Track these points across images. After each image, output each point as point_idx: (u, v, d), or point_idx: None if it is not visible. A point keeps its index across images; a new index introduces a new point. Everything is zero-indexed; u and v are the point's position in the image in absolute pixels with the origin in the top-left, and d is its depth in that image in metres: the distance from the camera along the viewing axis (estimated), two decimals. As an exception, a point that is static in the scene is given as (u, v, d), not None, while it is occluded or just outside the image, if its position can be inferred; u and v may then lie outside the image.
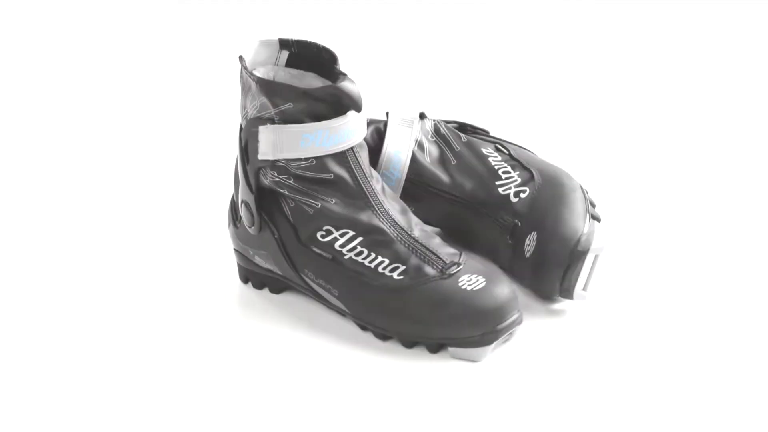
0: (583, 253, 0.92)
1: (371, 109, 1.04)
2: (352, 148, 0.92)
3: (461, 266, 0.90)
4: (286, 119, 0.90)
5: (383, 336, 0.90)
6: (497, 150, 1.02)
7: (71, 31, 1.68)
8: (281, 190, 0.93)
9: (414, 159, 1.02)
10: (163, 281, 1.02)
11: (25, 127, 1.41)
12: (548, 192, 0.97)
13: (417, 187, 1.02)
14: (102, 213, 1.17)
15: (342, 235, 0.91)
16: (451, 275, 0.89)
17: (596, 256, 0.94)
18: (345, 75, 0.91)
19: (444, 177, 1.01)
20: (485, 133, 1.05)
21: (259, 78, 0.90)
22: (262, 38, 0.95)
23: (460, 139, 1.03)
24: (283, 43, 0.95)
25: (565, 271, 0.93)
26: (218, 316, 0.96)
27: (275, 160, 0.92)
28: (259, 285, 0.99)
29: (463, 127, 1.06)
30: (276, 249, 0.95)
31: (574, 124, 1.41)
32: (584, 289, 0.94)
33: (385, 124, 1.03)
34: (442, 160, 1.02)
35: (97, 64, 1.59)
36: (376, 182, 0.93)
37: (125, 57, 1.61)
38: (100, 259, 1.06)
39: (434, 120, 1.05)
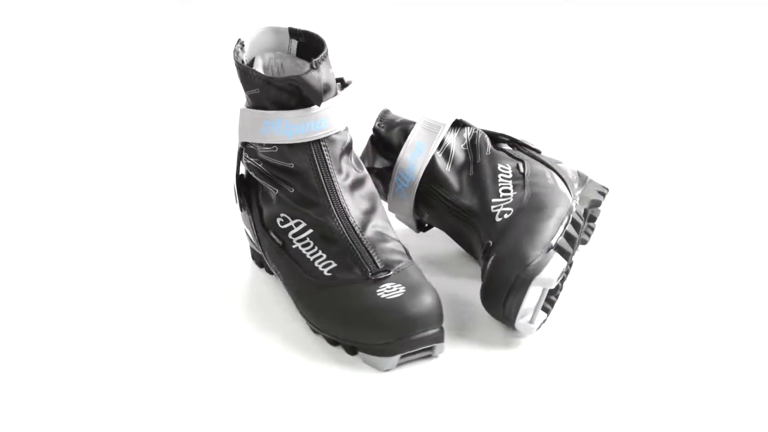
0: (526, 282, 0.88)
1: (400, 110, 1.07)
2: (318, 141, 0.92)
3: (390, 274, 0.89)
4: (255, 104, 0.92)
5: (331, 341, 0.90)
6: (517, 168, 1.00)
7: (72, 31, 1.68)
8: (251, 173, 0.96)
9: (432, 165, 1.01)
10: (178, 266, 1.05)
11: (38, 125, 1.43)
12: (524, 215, 0.95)
13: (429, 194, 1.01)
14: (129, 198, 1.21)
15: (296, 225, 0.93)
16: (375, 280, 0.88)
17: (544, 290, 0.89)
18: (320, 65, 0.91)
19: (456, 186, 1.00)
20: (537, 151, 1.04)
21: (237, 63, 0.92)
22: (271, 24, 0.95)
23: (485, 152, 1.02)
24: (293, 32, 0.95)
25: (506, 297, 0.89)
26: (229, 296, 0.99)
27: (246, 143, 0.94)
28: (260, 264, 1.02)
29: (512, 142, 1.04)
30: (252, 230, 0.97)
31: (579, 125, 1.41)
32: (531, 321, 0.90)
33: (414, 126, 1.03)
34: (462, 170, 1.01)
35: (101, 58, 1.60)
36: (344, 178, 0.93)
37: (127, 49, 1.62)
38: (125, 242, 1.10)
39: (477, 129, 1.03)
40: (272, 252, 0.95)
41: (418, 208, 1.03)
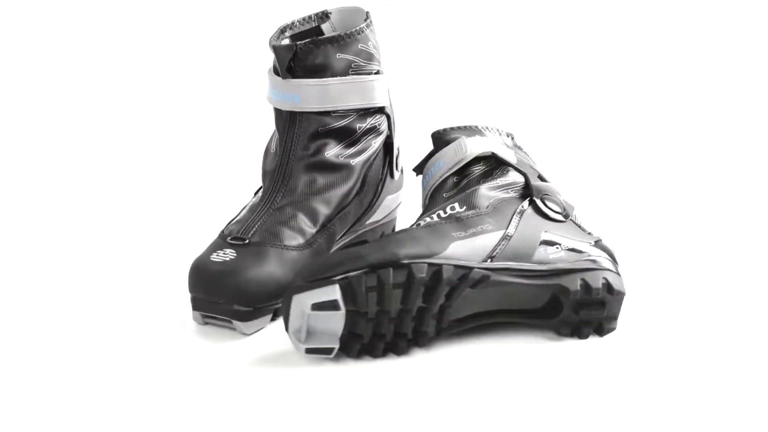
0: (290, 293, 0.87)
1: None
2: (290, 113, 0.99)
3: (241, 243, 0.94)
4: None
5: None
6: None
7: (72, 31, 1.66)
8: None
9: (441, 184, 1.00)
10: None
11: (38, 125, 1.45)
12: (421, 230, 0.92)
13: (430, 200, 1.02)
14: (128, 198, 1.24)
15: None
16: (225, 242, 0.95)
17: (304, 312, 0.86)
18: (317, 45, 0.98)
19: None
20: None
21: None
22: (349, 4, 1.04)
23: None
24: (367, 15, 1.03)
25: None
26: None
27: None
28: None
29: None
30: None
31: (575, 125, 1.44)
32: (299, 340, 0.87)
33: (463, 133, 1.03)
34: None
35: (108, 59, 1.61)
36: (308, 153, 0.99)
37: (127, 48, 1.62)
38: (124, 242, 1.12)
39: (517, 146, 1.03)
40: None
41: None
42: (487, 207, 0.92)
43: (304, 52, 0.99)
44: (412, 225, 0.92)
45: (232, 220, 1.00)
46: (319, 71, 0.99)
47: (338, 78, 1.00)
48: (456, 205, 0.92)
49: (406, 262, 0.85)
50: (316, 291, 0.85)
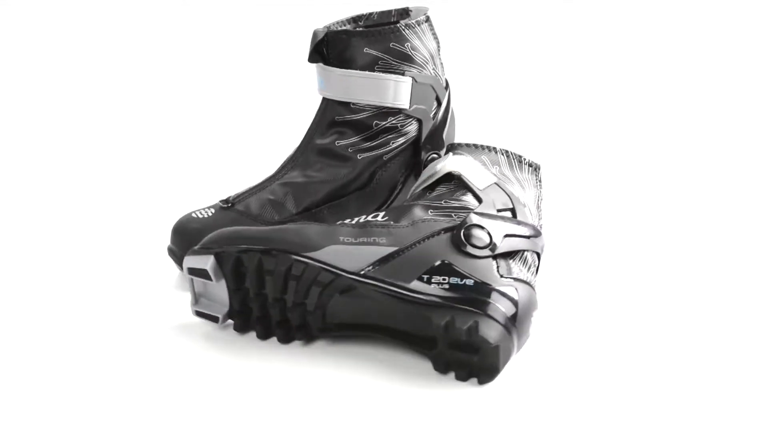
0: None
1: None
2: (323, 97, 1.04)
3: (230, 206, 1.01)
4: None
5: None
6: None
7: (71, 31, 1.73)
8: None
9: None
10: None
11: (37, 124, 1.47)
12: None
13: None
14: (127, 197, 1.23)
15: None
16: (227, 206, 1.01)
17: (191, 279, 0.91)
18: (351, 35, 1.01)
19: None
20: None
21: None
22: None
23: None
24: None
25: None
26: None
27: None
28: None
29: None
30: None
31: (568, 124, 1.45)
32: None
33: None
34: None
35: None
36: (324, 140, 1.03)
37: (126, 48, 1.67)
38: (123, 241, 1.11)
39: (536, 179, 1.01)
40: None
41: None
42: (406, 224, 0.89)
43: (335, 40, 1.01)
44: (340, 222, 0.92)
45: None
46: (346, 62, 1.01)
47: (358, 71, 1.01)
48: (381, 214, 0.91)
49: (272, 249, 0.86)
50: (196, 257, 0.89)
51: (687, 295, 1.00)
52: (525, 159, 0.98)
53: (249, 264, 0.87)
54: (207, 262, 0.88)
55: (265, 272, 0.87)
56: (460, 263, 0.85)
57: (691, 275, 1.04)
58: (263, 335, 0.90)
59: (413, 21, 1.03)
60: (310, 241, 0.87)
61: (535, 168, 0.98)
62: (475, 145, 0.98)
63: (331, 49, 1.02)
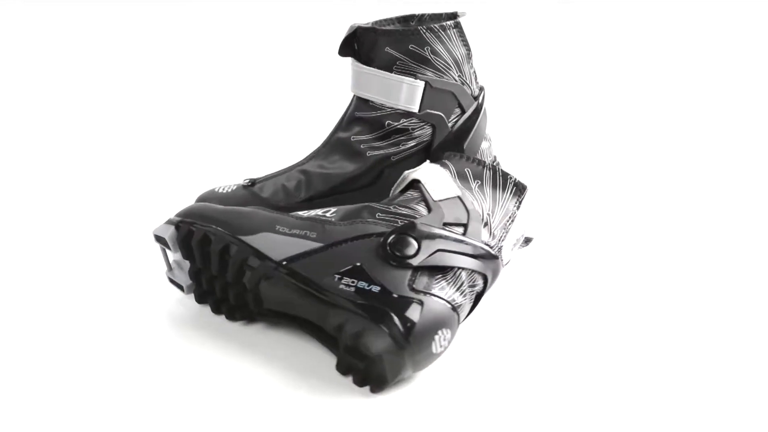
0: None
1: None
2: (354, 95, 1.06)
3: (252, 185, 1.07)
4: None
5: None
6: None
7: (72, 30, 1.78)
8: None
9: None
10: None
11: (37, 124, 1.51)
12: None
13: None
14: (127, 197, 1.26)
15: None
16: (247, 185, 1.07)
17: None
18: (381, 33, 1.02)
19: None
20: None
21: None
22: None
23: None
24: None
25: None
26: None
27: None
28: None
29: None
30: None
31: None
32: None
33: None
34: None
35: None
36: (346, 133, 1.06)
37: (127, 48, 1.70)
38: (122, 241, 1.13)
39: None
40: None
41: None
42: (345, 222, 0.89)
43: (363, 37, 1.04)
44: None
45: None
46: (370, 59, 1.04)
47: (374, 69, 1.03)
48: (332, 210, 0.91)
49: (214, 228, 0.90)
50: (162, 226, 0.94)
51: (687, 295, 0.99)
52: (512, 178, 0.94)
53: (195, 238, 0.91)
54: (167, 232, 0.93)
55: (205, 249, 0.91)
56: (374, 269, 0.85)
57: (691, 275, 1.03)
58: (215, 309, 0.94)
59: (437, 25, 1.02)
60: (250, 225, 0.89)
61: (519, 189, 0.94)
62: (468, 158, 0.96)
63: (360, 45, 1.04)
